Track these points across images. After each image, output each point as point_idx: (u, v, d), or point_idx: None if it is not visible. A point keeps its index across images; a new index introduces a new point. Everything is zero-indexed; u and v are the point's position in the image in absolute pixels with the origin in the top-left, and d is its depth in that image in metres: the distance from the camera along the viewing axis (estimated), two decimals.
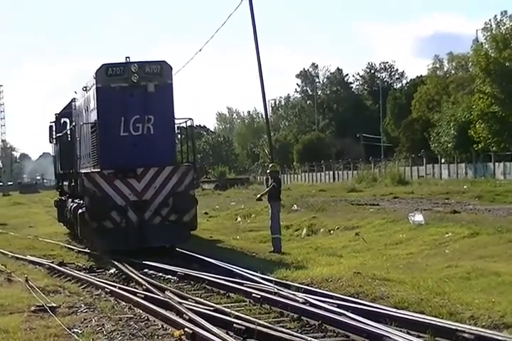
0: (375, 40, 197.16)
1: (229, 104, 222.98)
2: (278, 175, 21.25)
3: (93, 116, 19.88)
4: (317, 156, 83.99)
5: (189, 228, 19.24)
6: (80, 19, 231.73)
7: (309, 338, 9.03)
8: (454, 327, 9.05)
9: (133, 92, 19.08)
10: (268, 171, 21.23)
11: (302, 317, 10.66)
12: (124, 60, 19.45)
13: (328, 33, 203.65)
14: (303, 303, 11.15)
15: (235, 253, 19.10)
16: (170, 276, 15.33)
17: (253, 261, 16.86)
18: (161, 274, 15.68)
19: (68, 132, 24.97)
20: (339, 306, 10.73)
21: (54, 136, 28.49)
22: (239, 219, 29.87)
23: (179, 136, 21.99)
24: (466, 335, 8.74)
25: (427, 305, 10.81)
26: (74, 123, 23.80)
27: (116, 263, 16.99)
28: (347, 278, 13.23)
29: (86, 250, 20.33)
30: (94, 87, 19.34)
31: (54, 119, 28.40)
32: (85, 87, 20.99)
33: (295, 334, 9.33)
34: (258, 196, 21.07)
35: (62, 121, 27.19)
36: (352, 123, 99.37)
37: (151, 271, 16.04)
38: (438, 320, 9.58)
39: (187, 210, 18.97)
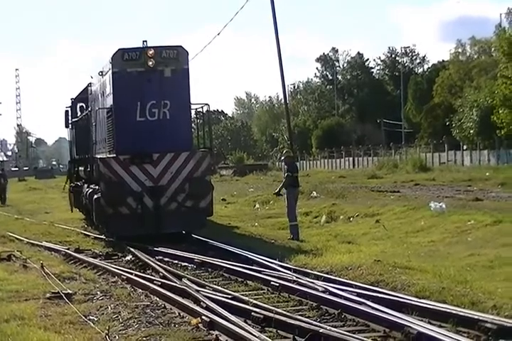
0: (398, 24, 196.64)
1: (247, 89, 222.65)
2: (293, 161, 20.99)
3: (109, 101, 19.71)
4: (337, 142, 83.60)
5: (205, 214, 19.08)
6: (98, 4, 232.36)
7: (328, 327, 8.79)
8: (476, 317, 8.82)
9: (149, 77, 18.89)
10: (282, 157, 20.99)
11: (321, 306, 10.43)
12: (141, 44, 19.26)
13: (349, 17, 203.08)
14: (322, 292, 10.92)
15: (253, 240, 18.89)
16: (187, 263, 15.15)
17: (271, 248, 16.64)
18: (177, 261, 15.50)
19: (84, 117, 24.80)
20: (359, 295, 10.51)
21: (70, 121, 28.37)
22: (257, 205, 29.63)
23: (196, 121, 21.79)
24: (488, 325, 8.52)
25: (448, 294, 10.58)
26: (90, 108, 23.65)
27: (132, 249, 16.82)
28: (367, 266, 13.01)
29: (102, 236, 20.19)
30: (111, 71, 19.16)
31: (70, 104, 28.28)
32: (101, 72, 20.84)
33: (314, 323, 9.11)
34: (276, 191, 20.69)
35: (78, 106, 27.07)
36: (373, 108, 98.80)
37: (167, 258, 15.87)
38: (460, 309, 9.36)
39: (203, 196, 18.81)
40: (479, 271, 12.41)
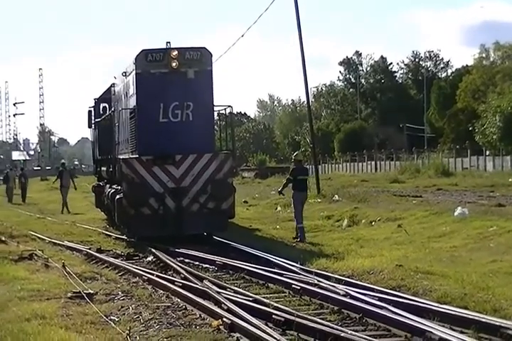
0: (421, 28, 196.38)
1: (270, 91, 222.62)
2: (301, 165, 21.05)
3: (132, 102, 19.75)
4: (359, 146, 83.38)
5: (227, 216, 19.11)
6: (123, 4, 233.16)
7: (350, 331, 8.75)
8: (498, 324, 8.75)
9: (172, 78, 18.92)
10: (292, 160, 21.06)
11: (342, 310, 10.39)
12: (164, 45, 19.30)
13: (373, 21, 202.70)
14: (343, 296, 10.88)
15: (275, 243, 18.86)
16: (208, 265, 15.14)
17: (293, 252, 16.62)
18: (198, 263, 15.50)
19: (107, 117, 24.87)
20: (380, 299, 10.45)
21: (93, 121, 28.50)
22: (279, 208, 29.55)
23: (219, 123, 21.79)
24: (510, 332, 8.45)
25: (470, 300, 10.51)
26: (113, 109, 23.73)
27: (153, 250, 16.84)
28: (389, 271, 12.96)
29: (123, 237, 20.23)
30: (134, 72, 19.22)
31: (93, 104, 28.40)
32: (125, 73, 20.89)
33: (335, 326, 9.08)
34: (279, 190, 20.86)
35: (101, 106, 27.20)
36: (395, 112, 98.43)
37: (188, 260, 15.87)
38: (482, 315, 9.27)
39: (225, 198, 18.83)
40: (501, 278, 12.29)
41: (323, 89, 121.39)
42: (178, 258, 15.82)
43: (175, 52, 18.93)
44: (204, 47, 19.43)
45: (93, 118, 28.35)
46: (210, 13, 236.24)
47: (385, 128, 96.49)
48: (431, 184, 40.60)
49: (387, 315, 9.56)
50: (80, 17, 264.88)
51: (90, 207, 32.51)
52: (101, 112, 27.11)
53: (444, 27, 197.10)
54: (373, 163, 77.95)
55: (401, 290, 11.61)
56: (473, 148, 65.78)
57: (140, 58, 19.00)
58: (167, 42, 19.42)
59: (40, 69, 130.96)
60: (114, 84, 24.15)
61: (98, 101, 27.72)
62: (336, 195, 30.84)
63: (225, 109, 20.55)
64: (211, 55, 19.51)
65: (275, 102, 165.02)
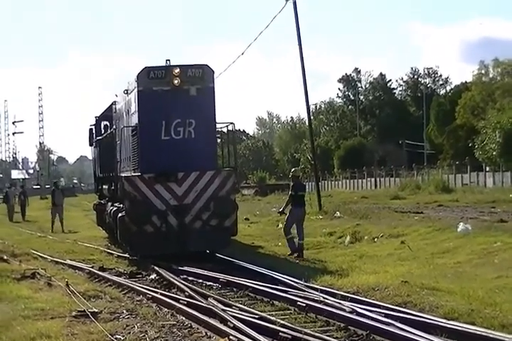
0: (420, 45, 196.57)
1: (269, 109, 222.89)
2: (299, 181, 21.09)
3: (134, 120, 19.74)
4: (359, 162, 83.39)
5: (230, 233, 19.03)
6: (118, 19, 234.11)
7: None
8: (506, 340, 8.74)
9: (175, 96, 18.92)
10: (290, 176, 21.16)
11: (349, 327, 10.34)
12: (164, 63, 19.32)
13: (371, 38, 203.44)
14: (350, 312, 10.83)
15: (278, 260, 18.79)
16: (212, 283, 15.07)
17: (296, 268, 16.54)
18: (202, 280, 15.43)
19: (108, 135, 24.86)
20: (387, 316, 10.41)
21: (94, 139, 28.47)
22: (280, 225, 29.40)
23: (221, 140, 21.78)
24: None
25: (477, 316, 10.46)
26: (114, 127, 23.71)
27: (156, 268, 16.77)
28: (394, 287, 12.90)
29: (126, 255, 20.13)
30: (136, 90, 19.21)
31: (94, 122, 28.39)
32: (126, 90, 20.90)
33: None
34: (280, 210, 20.85)
35: (102, 124, 27.17)
36: (395, 129, 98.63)
37: (191, 277, 15.80)
38: (490, 331, 9.24)
39: (228, 215, 18.78)
40: (508, 293, 12.20)
41: (322, 106, 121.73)
42: (182, 276, 15.76)
43: (177, 70, 18.94)
44: (206, 65, 19.45)
45: (94, 136, 28.32)
46: (210, 30, 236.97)
47: (384, 144, 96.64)
48: (432, 200, 40.54)
49: (395, 331, 9.52)
50: (79, 31, 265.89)
51: (91, 225, 32.46)
52: (102, 130, 27.07)
53: (443, 43, 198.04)
54: (373, 179, 77.91)
55: (407, 306, 11.55)
56: (473, 164, 65.76)
57: (142, 75, 19.01)
58: (167, 60, 19.42)
59: (39, 87, 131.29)
60: (115, 102, 24.14)
61: (99, 119, 27.70)
62: (338, 212, 30.80)
63: (227, 126, 20.54)
64: (213, 72, 19.53)
65: (274, 119, 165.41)
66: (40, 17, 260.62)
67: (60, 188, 38.11)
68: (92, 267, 18.06)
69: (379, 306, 11.24)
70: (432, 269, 15.60)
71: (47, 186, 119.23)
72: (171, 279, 15.22)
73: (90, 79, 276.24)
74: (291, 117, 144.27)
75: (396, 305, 11.42)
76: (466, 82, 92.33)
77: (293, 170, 21.78)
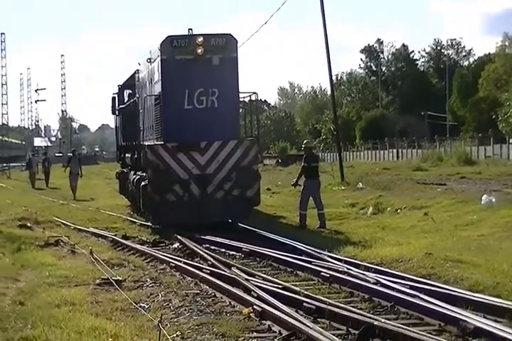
0: (443, 16, 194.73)
1: (291, 79, 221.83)
2: (312, 152, 20.96)
3: (157, 89, 19.67)
4: (380, 134, 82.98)
5: (252, 203, 19.02)
6: None
7: (383, 319, 8.64)
8: None
9: (198, 65, 18.82)
10: (302, 147, 20.99)
11: (373, 298, 10.28)
12: (186, 32, 19.19)
13: (394, 9, 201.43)
14: (374, 283, 10.77)
15: (300, 231, 18.75)
16: (234, 252, 15.08)
17: (319, 239, 16.48)
18: (224, 250, 15.45)
19: (131, 104, 24.81)
20: (411, 287, 10.33)
21: (117, 108, 28.45)
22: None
23: (243, 110, 21.67)
24: None
25: (503, 289, 10.36)
26: (137, 95, 23.65)
27: (179, 237, 16.79)
28: (418, 259, 12.81)
29: (148, 223, 20.17)
30: (159, 58, 19.12)
31: (117, 91, 28.34)
32: (149, 59, 20.79)
33: (368, 315, 8.97)
34: (293, 182, 20.69)
35: (125, 93, 27.12)
36: (416, 100, 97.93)
37: (214, 247, 15.82)
38: None
39: (250, 185, 18.75)
40: None
41: (343, 77, 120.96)
42: (204, 245, 15.78)
43: (200, 39, 18.81)
44: (229, 34, 19.30)
45: (117, 104, 28.31)
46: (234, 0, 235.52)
47: (406, 116, 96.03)
48: (454, 172, 40.32)
49: (420, 303, 9.45)
50: (101, 4, 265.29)
51: (113, 193, 32.56)
52: (125, 99, 27.05)
53: (467, 15, 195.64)
54: (395, 150, 77.50)
55: (432, 278, 11.46)
56: (496, 136, 65.22)
57: (165, 44, 18.89)
58: (189, 29, 19.31)
59: (62, 55, 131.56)
60: (138, 70, 24.07)
61: (122, 87, 27.66)
62: (360, 183, 30.69)
63: (250, 95, 20.42)
64: (236, 42, 19.37)
65: (296, 90, 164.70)
66: None
67: (77, 156, 38.24)
68: (115, 235, 18.15)
69: (403, 278, 11.16)
70: (456, 241, 15.49)
71: (69, 154, 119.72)
72: (194, 248, 15.24)
73: (113, 48, 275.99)
74: (312, 87, 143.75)
75: (420, 277, 11.33)
76: (489, 53, 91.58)
77: (305, 141, 21.68)
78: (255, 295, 10.14)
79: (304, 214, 19.64)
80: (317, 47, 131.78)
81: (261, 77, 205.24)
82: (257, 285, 10.65)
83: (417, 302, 9.52)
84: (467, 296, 9.70)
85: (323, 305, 9.35)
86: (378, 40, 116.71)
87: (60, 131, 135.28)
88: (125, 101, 26.82)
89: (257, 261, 14.06)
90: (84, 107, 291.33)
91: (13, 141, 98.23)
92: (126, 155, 25.73)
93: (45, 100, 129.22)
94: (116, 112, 28.85)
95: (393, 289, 10.29)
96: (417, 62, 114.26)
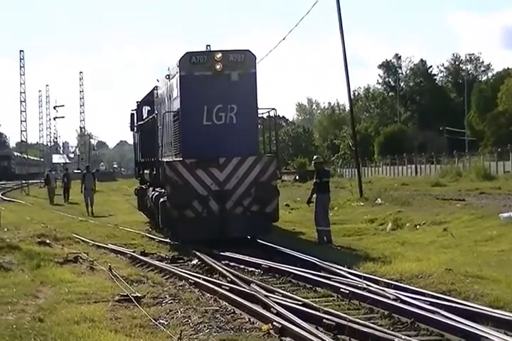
0: (462, 31, 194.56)
1: (309, 95, 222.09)
2: (323, 167, 20.95)
3: (176, 105, 19.73)
4: (399, 149, 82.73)
5: (271, 219, 18.96)
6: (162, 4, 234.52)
7: (403, 336, 8.60)
8: None
9: (216, 81, 18.88)
10: (313, 163, 21.00)
11: (393, 314, 10.22)
12: (204, 48, 19.27)
13: (412, 24, 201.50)
14: (394, 300, 10.72)
15: (319, 247, 18.68)
16: (253, 269, 15.04)
17: (338, 255, 16.42)
18: (243, 266, 15.42)
19: (150, 120, 24.90)
20: (431, 304, 10.28)
21: (135, 124, 28.55)
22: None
23: (262, 125, 21.69)
24: None
25: None
26: (156, 112, 23.74)
27: (198, 253, 16.78)
28: (438, 275, 12.77)
29: (167, 240, 20.17)
30: (178, 75, 19.19)
31: (135, 107, 28.46)
32: (168, 75, 20.88)
33: (388, 331, 8.93)
34: (307, 201, 20.64)
35: (143, 109, 27.23)
36: (435, 115, 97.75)
37: (233, 263, 15.79)
38: None
39: (269, 201, 18.72)
40: None
41: (360, 92, 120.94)
42: (223, 262, 15.76)
43: (219, 55, 18.89)
44: (248, 50, 19.36)
45: (136, 121, 28.42)
46: (251, 16, 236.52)
47: (424, 131, 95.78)
48: (473, 187, 40.09)
49: (440, 319, 9.40)
50: (121, 21, 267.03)
51: (132, 209, 32.62)
52: (144, 115, 27.16)
53: (485, 30, 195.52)
54: (413, 166, 77.19)
55: (452, 294, 11.41)
56: None
57: (184, 60, 18.97)
58: (207, 45, 19.42)
59: (80, 72, 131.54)
60: (156, 86, 24.17)
61: (141, 104, 27.79)
62: (379, 199, 30.59)
63: (268, 111, 20.45)
64: (255, 58, 19.44)
65: (314, 105, 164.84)
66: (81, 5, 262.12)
67: (91, 172, 38.51)
68: (133, 251, 18.15)
69: (423, 294, 11.11)
70: (476, 257, 15.40)
71: (83, 170, 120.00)
72: (213, 264, 15.22)
73: (131, 65, 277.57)
74: (329, 103, 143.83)
75: (440, 293, 11.28)
76: (508, 68, 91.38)
77: (315, 157, 21.69)
78: (275, 311, 10.12)
79: (322, 229, 19.58)
80: (334, 61, 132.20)
81: (279, 93, 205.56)
82: (276, 302, 10.63)
83: (438, 318, 9.47)
84: (488, 312, 9.66)
85: (343, 322, 9.32)
86: (396, 55, 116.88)
87: (79, 147, 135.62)
88: (144, 117, 26.94)
89: (276, 278, 14.02)
90: (103, 124, 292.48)
91: (32, 157, 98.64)
92: (145, 171, 25.80)
93: (63, 117, 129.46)
94: (135, 129, 28.97)
95: (413, 305, 10.24)
96: (436, 77, 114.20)
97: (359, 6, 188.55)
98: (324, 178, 20.04)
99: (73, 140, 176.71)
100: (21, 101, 63.84)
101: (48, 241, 20.14)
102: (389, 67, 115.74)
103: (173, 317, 10.55)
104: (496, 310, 9.79)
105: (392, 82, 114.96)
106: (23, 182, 65.00)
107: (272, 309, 10.26)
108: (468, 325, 8.92)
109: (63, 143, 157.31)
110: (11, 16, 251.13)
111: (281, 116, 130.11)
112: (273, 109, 20.28)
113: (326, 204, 20.14)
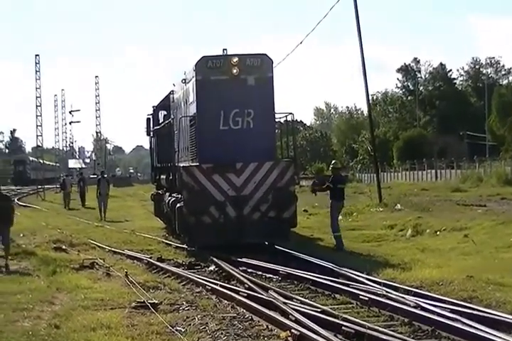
0: (482, 34, 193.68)
1: (327, 99, 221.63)
2: (340, 173, 20.81)
3: (192, 109, 19.63)
4: (418, 154, 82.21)
5: (289, 225, 18.79)
6: (179, 8, 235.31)
7: None
8: None
9: (233, 85, 18.77)
10: (330, 168, 20.86)
11: (413, 322, 10.05)
12: (221, 52, 19.12)
13: (431, 27, 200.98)
14: (414, 307, 10.54)
15: (338, 253, 18.51)
16: (271, 275, 14.89)
17: (357, 261, 16.25)
18: (261, 273, 15.27)
19: (166, 125, 24.81)
20: (452, 311, 10.12)
21: (151, 129, 28.46)
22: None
23: (279, 130, 21.55)
24: None
25: None
26: (172, 116, 23.65)
27: (215, 260, 16.63)
28: (459, 282, 12.60)
29: (183, 246, 20.03)
30: (194, 79, 19.09)
31: (151, 112, 28.38)
32: (184, 80, 20.80)
33: (408, 339, 8.79)
34: (311, 190, 20.61)
35: (160, 114, 27.15)
36: (455, 120, 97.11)
37: (250, 269, 15.64)
38: None
39: (287, 206, 18.55)
40: None
41: (378, 97, 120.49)
42: (241, 268, 15.62)
43: (235, 59, 18.78)
44: (265, 54, 19.24)
45: (152, 125, 28.33)
46: (268, 20, 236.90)
47: (444, 136, 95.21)
48: (494, 193, 39.69)
49: (461, 327, 9.26)
50: (134, 26, 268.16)
51: (148, 215, 32.56)
52: (160, 120, 27.07)
53: (505, 33, 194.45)
54: (433, 171, 76.66)
55: (473, 301, 11.25)
56: None
57: (200, 65, 18.88)
58: (224, 49, 19.32)
59: (96, 76, 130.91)
60: (173, 91, 24.07)
61: (157, 108, 27.70)
62: (398, 204, 30.34)
63: (286, 116, 20.30)
64: (272, 62, 19.31)
65: (332, 110, 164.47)
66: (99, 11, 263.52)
67: (106, 177, 38.52)
68: (150, 258, 18.03)
69: (444, 301, 10.94)
70: (497, 264, 15.20)
71: (98, 175, 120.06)
72: (230, 271, 15.08)
73: (147, 69, 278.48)
74: (347, 107, 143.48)
75: (461, 301, 11.12)
76: None
77: (333, 162, 21.57)
78: (293, 318, 10.00)
79: (339, 235, 19.44)
80: (352, 65, 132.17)
81: (297, 98, 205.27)
82: (294, 309, 10.50)
83: (459, 326, 9.34)
84: (510, 320, 9.51)
85: (362, 329, 9.19)
86: (415, 59, 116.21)
87: (95, 152, 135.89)
88: (160, 122, 26.86)
89: (294, 284, 13.87)
90: (119, 128, 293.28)
91: (48, 162, 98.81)
92: (161, 176, 25.71)
93: (79, 121, 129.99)
94: (151, 133, 28.88)
95: (434, 313, 10.09)
96: (455, 81, 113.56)
97: (377, 9, 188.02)
98: (339, 184, 19.89)
99: (89, 145, 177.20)
100: (37, 106, 63.95)
101: (63, 246, 20.13)
102: (408, 71, 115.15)
103: (190, 324, 10.43)
104: None
105: (411, 86, 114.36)
106: (39, 187, 65.11)
107: (290, 316, 10.14)
108: (490, 333, 8.79)
109: (79, 148, 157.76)
110: (22, 20, 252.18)
111: (298, 120, 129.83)
112: (290, 113, 20.14)
113: (340, 210, 20.00)
